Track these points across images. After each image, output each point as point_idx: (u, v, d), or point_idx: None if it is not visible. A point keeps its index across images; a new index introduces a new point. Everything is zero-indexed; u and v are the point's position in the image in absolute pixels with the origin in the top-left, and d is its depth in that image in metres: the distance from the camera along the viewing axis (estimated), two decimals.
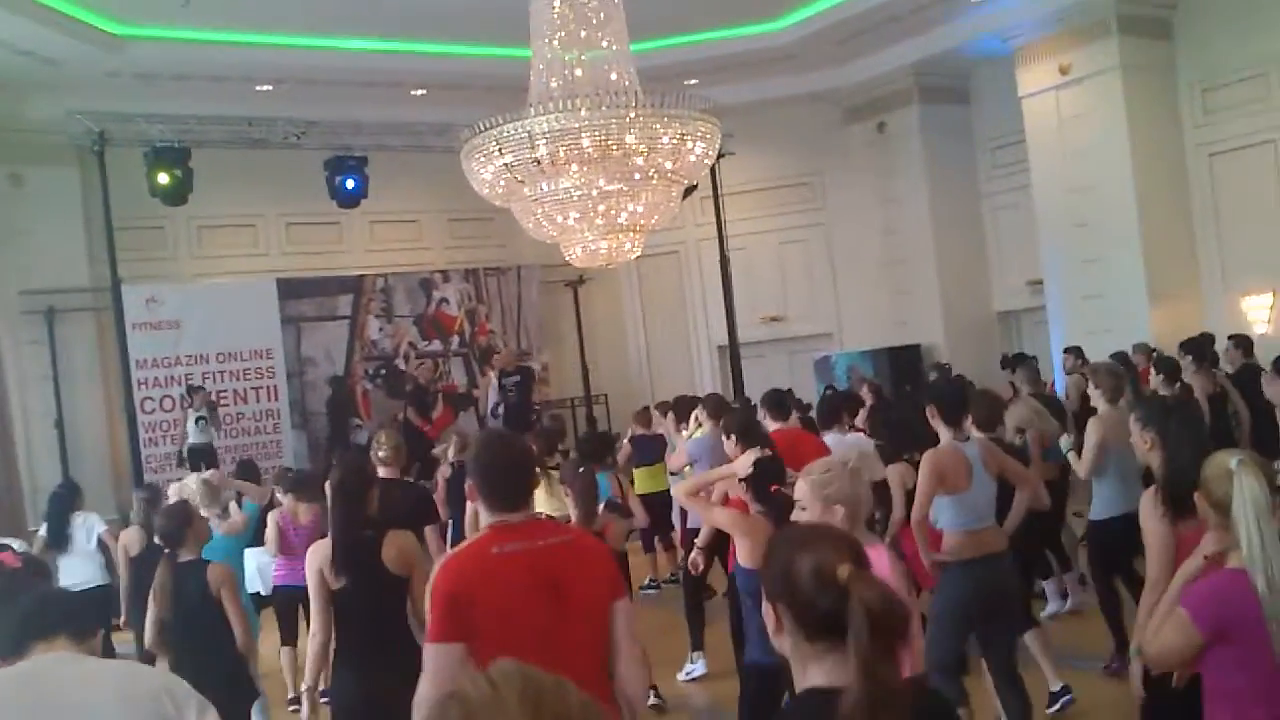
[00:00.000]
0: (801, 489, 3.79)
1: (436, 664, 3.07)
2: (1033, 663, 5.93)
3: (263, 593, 8.28)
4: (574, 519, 5.85)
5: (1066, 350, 12.76)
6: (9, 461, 13.33)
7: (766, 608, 2.10)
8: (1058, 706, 5.91)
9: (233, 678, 5.00)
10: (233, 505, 7.76)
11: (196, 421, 13.29)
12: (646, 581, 10.37)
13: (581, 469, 5.87)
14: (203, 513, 6.36)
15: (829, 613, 1.96)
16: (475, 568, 3.18)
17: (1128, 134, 13.56)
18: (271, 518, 7.81)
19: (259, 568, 8.34)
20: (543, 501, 7.11)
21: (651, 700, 6.51)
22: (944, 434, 5.46)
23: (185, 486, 6.63)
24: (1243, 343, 10.76)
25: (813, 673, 2.04)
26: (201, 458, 12.47)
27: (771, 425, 6.97)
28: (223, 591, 5.12)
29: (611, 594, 3.30)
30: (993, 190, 16.54)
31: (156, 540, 5.58)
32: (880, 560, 3.46)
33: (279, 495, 8.05)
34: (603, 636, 3.24)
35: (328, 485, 4.83)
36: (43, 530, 8.29)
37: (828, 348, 17.45)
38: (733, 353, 16.13)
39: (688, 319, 18.45)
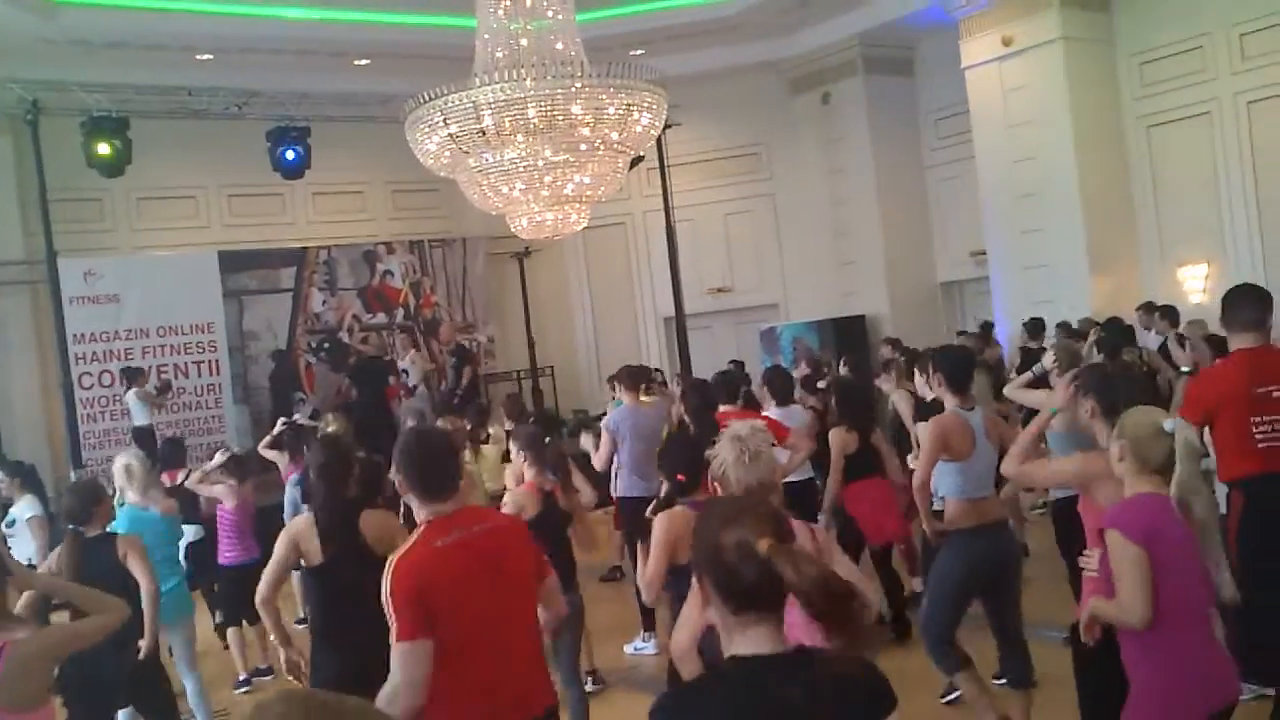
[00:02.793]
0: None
1: (410, 663, 3.15)
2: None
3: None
4: (529, 480, 5.83)
5: (1025, 323, 12.73)
6: None
7: (693, 584, 2.15)
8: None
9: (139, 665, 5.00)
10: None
11: (140, 402, 13.04)
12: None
13: (548, 440, 5.89)
14: (132, 495, 6.29)
15: (752, 585, 2.03)
16: (426, 564, 3.28)
17: (1069, 106, 13.69)
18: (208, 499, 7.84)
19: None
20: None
21: (590, 686, 6.52)
22: (949, 401, 5.44)
23: (120, 466, 6.51)
24: (1169, 313, 11.04)
25: (738, 642, 2.10)
26: (145, 439, 12.32)
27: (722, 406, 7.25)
28: (129, 556, 5.11)
29: (539, 573, 3.62)
30: (936, 161, 16.66)
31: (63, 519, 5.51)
32: (804, 531, 3.53)
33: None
34: (534, 610, 3.56)
35: (310, 467, 4.88)
36: None
37: (774, 319, 17.52)
38: (679, 324, 16.16)
39: (634, 291, 18.44)
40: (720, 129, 17.41)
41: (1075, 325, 11.60)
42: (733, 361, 13.94)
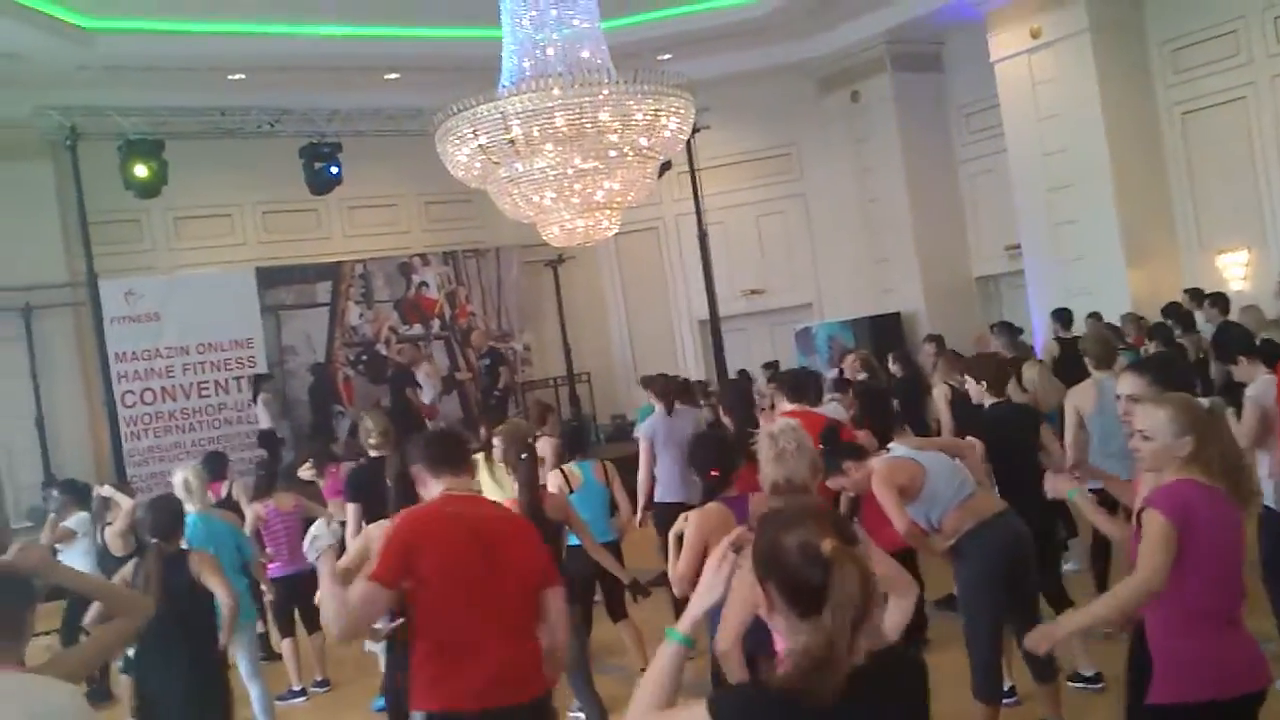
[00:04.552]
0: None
1: (363, 600, 3.35)
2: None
3: None
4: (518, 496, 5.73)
5: (1054, 313, 12.64)
6: None
7: (740, 593, 2.13)
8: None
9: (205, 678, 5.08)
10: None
11: (265, 407, 14.04)
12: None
13: (524, 455, 5.76)
14: (192, 506, 6.38)
15: (816, 588, 2.01)
16: (429, 522, 3.55)
17: (1099, 96, 13.60)
18: (256, 508, 7.88)
19: None
20: (487, 486, 7.10)
21: None
22: (873, 458, 5.27)
23: (179, 480, 6.64)
24: (1219, 300, 10.84)
25: (800, 641, 2.05)
26: (270, 442, 13.50)
27: (788, 406, 7.05)
28: (204, 571, 5.15)
29: (544, 580, 3.68)
30: (968, 156, 16.58)
31: (143, 535, 5.57)
32: None
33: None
34: (533, 604, 3.63)
35: (388, 476, 5.01)
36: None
37: (808, 319, 17.50)
38: (714, 327, 16.16)
39: (668, 295, 18.47)
40: (750, 130, 17.41)
41: (1118, 322, 11.50)
42: (767, 364, 13.93)
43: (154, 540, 5.17)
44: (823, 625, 1.96)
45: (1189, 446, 3.34)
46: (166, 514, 5.34)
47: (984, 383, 6.13)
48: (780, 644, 2.13)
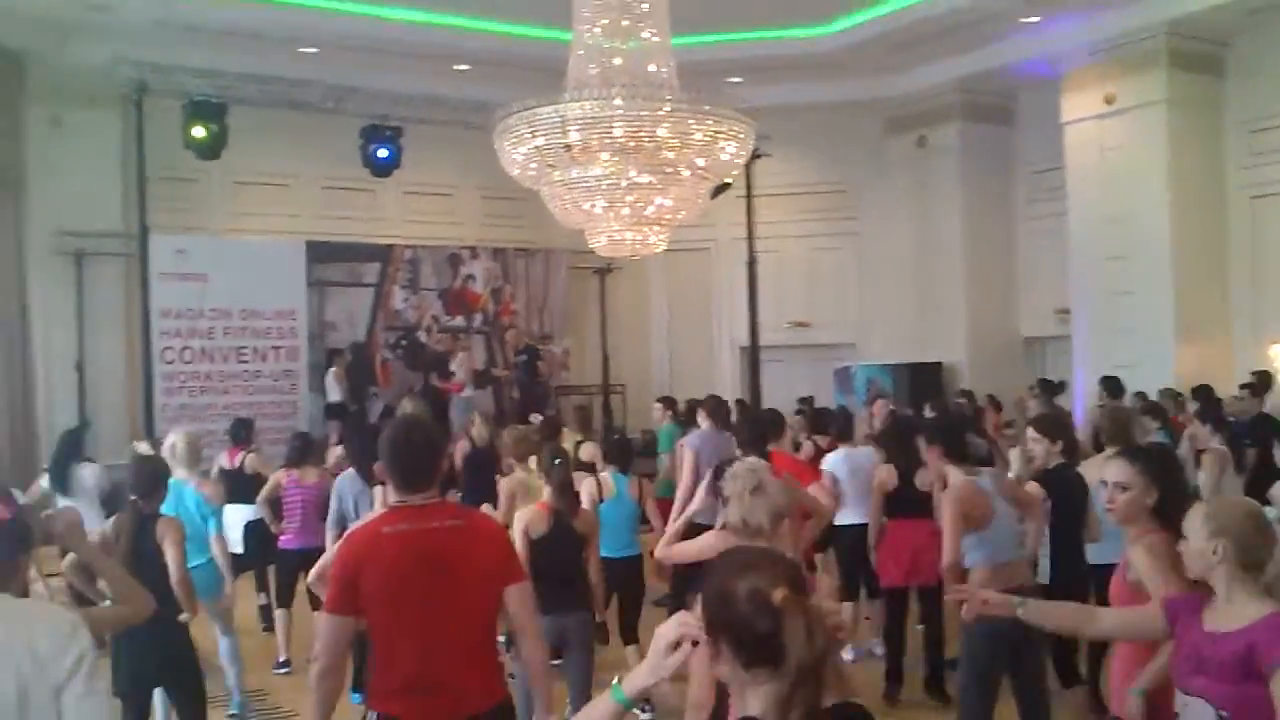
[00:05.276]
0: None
1: (327, 633, 3.43)
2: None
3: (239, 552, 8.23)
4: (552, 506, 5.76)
5: (1103, 380, 12.40)
6: (28, 400, 13.49)
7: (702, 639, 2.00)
8: None
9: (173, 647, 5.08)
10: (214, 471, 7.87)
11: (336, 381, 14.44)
12: None
13: (558, 460, 5.80)
14: (180, 472, 6.42)
15: (766, 636, 1.91)
16: (363, 546, 3.49)
17: (1168, 169, 13.41)
18: (277, 476, 7.90)
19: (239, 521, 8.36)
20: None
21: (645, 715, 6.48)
22: (954, 473, 5.23)
23: (168, 444, 6.71)
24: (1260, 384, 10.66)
25: (751, 701, 1.97)
26: (338, 413, 13.75)
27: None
28: (166, 539, 5.11)
29: (504, 578, 3.54)
30: (1029, 215, 16.42)
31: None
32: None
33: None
34: (489, 615, 3.54)
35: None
36: (44, 480, 8.34)
37: (850, 358, 17.37)
38: (753, 355, 16.08)
39: (712, 317, 18.42)
40: (811, 163, 17.33)
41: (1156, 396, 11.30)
42: (802, 399, 13.83)
43: (132, 499, 5.20)
44: (778, 684, 1.88)
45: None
46: (147, 474, 5.36)
47: (1059, 444, 5.80)
48: (738, 705, 2.02)
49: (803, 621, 1.89)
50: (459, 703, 3.40)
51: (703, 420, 8.50)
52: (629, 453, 7.71)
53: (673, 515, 6.85)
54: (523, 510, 5.81)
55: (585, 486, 6.82)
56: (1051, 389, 13.03)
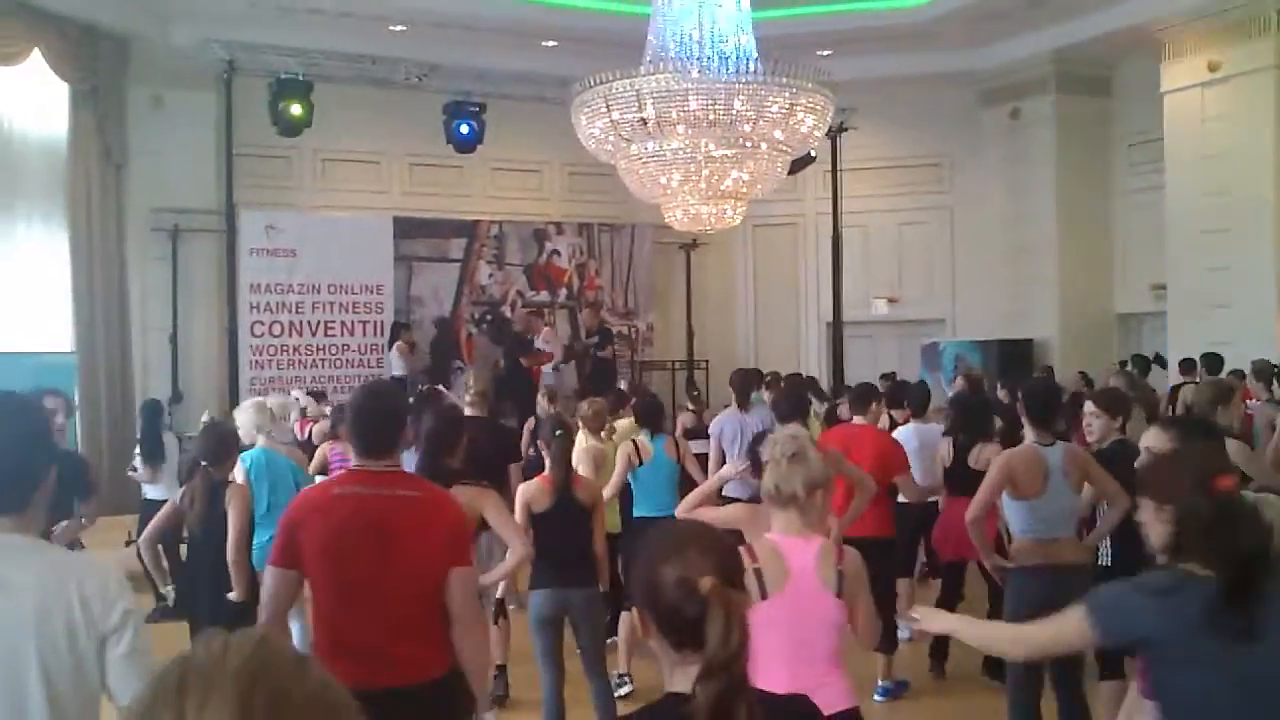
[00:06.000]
0: None
1: (270, 585, 3.52)
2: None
3: None
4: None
5: (1203, 357, 11.86)
6: (125, 370, 13.90)
7: (635, 611, 2.02)
8: None
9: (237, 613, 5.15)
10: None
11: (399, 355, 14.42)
12: None
13: (559, 431, 5.71)
14: (259, 437, 6.54)
15: (693, 622, 1.88)
16: (312, 502, 3.57)
17: (1275, 139, 12.87)
18: (323, 449, 7.99)
19: None
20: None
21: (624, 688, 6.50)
22: (1029, 434, 5.19)
23: (244, 409, 6.86)
24: None
25: (677, 678, 1.97)
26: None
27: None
28: (232, 505, 5.18)
29: (448, 559, 3.43)
30: (1126, 188, 15.91)
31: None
32: (808, 549, 3.38)
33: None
34: (436, 595, 3.42)
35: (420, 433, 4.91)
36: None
37: (939, 334, 17.08)
38: (836, 332, 15.89)
39: (799, 292, 18.24)
40: (901, 136, 17.03)
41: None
42: (884, 375, 13.62)
43: (203, 464, 5.31)
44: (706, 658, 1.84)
45: None
46: (215, 440, 5.47)
47: (1119, 419, 5.51)
48: (666, 680, 2.02)
49: (722, 614, 1.84)
50: (388, 672, 3.30)
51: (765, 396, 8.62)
52: (660, 413, 7.87)
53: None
54: (524, 485, 5.72)
55: (623, 450, 6.98)
56: (1146, 365, 12.67)
